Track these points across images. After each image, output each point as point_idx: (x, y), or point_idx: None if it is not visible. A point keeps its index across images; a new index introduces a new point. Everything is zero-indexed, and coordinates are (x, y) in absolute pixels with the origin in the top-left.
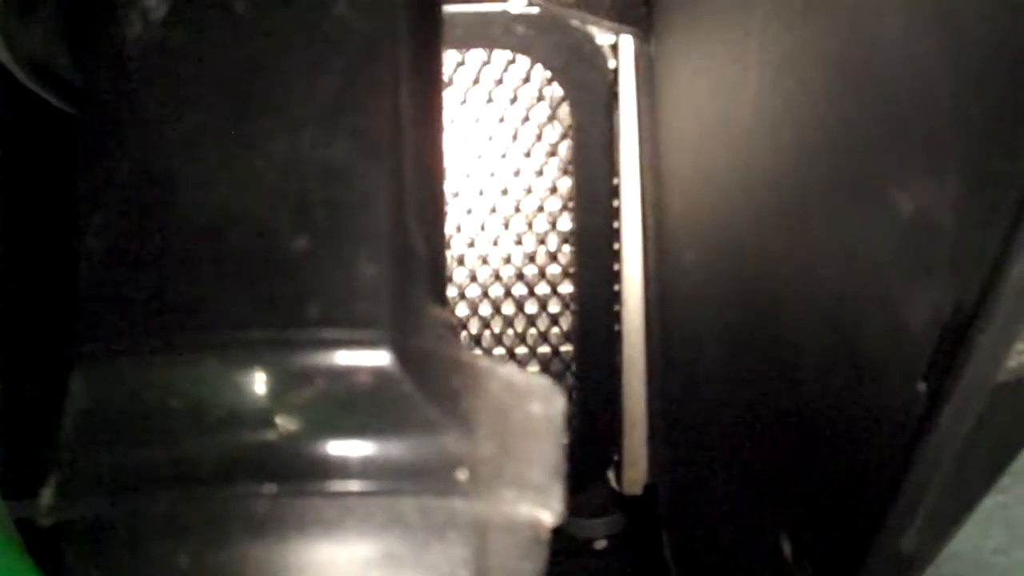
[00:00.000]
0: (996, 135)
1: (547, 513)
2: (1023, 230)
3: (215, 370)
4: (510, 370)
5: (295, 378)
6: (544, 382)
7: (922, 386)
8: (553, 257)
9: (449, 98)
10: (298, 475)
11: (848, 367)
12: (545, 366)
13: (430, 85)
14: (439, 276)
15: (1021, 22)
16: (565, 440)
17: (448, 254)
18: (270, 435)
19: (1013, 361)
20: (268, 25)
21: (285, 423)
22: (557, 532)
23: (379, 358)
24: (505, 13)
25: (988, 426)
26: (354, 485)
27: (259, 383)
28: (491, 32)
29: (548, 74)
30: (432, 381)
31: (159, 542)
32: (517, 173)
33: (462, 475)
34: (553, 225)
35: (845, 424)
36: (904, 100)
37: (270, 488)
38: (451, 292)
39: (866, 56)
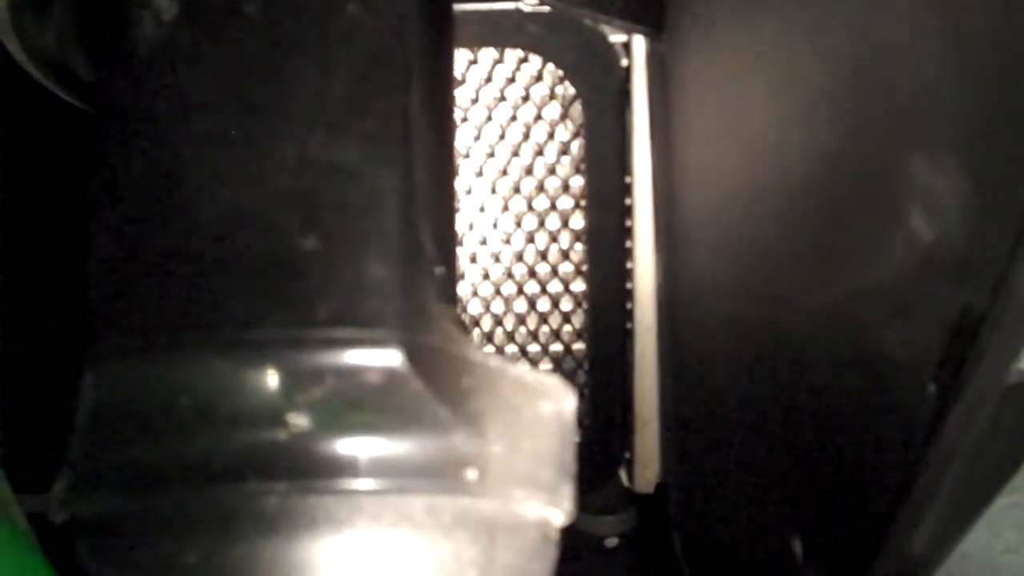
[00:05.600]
0: (1003, 141)
1: (557, 512)
2: None
3: (226, 369)
4: (520, 369)
5: (306, 377)
6: (555, 381)
7: (932, 387)
8: (565, 255)
9: (461, 96)
10: (308, 473)
11: (858, 367)
12: (557, 364)
13: (441, 85)
14: (450, 275)
15: None
16: (576, 439)
17: (460, 252)
18: (280, 433)
19: None
20: (279, 25)
21: (295, 421)
22: (568, 529)
23: (389, 357)
24: (518, 12)
25: (999, 428)
26: (364, 483)
27: (270, 382)
28: (503, 31)
29: (560, 73)
30: (442, 380)
31: (170, 539)
32: (529, 171)
33: (471, 474)
34: (565, 223)
35: (855, 425)
36: (912, 107)
37: (280, 486)
38: (464, 290)
39: (875, 63)
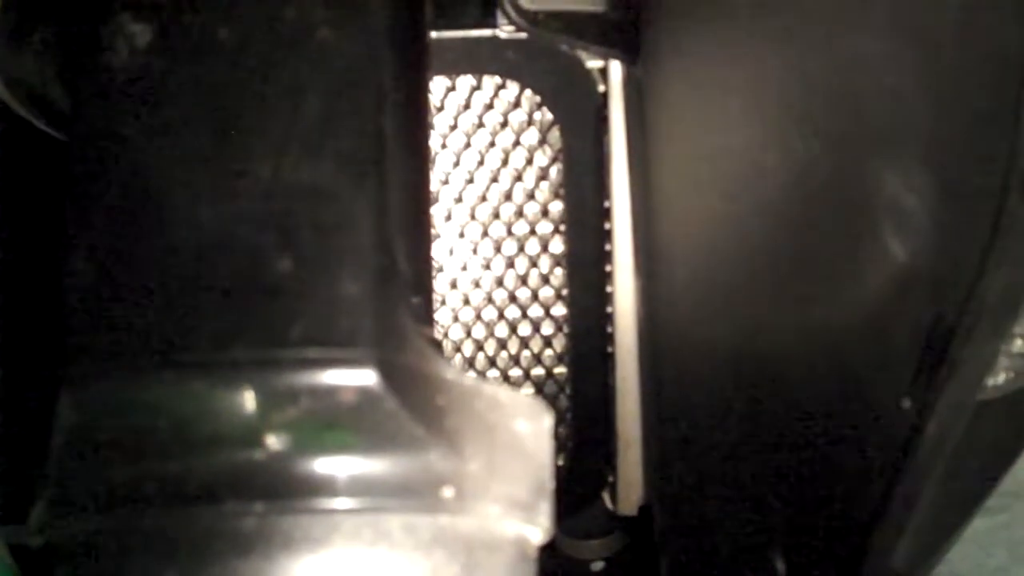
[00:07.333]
0: (971, 152)
1: (534, 530)
2: (999, 246)
3: (202, 390)
4: (495, 388)
5: (281, 397)
6: (530, 400)
7: (907, 402)
8: (546, 279)
9: (440, 123)
10: (285, 493)
11: (836, 384)
12: (539, 388)
13: (415, 107)
14: (424, 295)
15: (993, 42)
16: (558, 460)
17: (441, 278)
18: (257, 454)
19: (1000, 378)
20: (251, 50)
21: (272, 442)
22: (554, 553)
23: (364, 377)
24: (495, 39)
25: (975, 444)
26: (340, 503)
27: (246, 402)
28: (481, 58)
29: (538, 99)
30: (417, 399)
31: (147, 560)
32: (508, 196)
33: (448, 492)
34: (545, 248)
35: (834, 442)
36: (882, 121)
37: (257, 506)
38: (445, 315)
39: (845, 79)
